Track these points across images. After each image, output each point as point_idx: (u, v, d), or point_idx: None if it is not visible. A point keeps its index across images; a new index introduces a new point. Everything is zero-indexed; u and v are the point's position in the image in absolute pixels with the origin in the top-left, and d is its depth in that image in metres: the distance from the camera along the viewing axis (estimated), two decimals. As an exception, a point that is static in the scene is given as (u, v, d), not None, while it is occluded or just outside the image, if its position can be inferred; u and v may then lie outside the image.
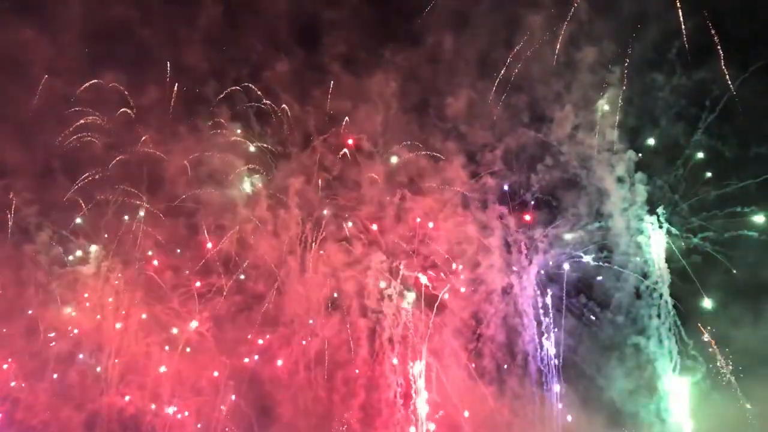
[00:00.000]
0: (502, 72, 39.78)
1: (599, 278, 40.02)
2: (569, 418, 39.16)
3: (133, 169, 42.60)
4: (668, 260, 38.61)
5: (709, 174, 38.60)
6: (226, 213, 42.84)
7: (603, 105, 39.26)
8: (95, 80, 41.66)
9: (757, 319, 36.28)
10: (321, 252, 41.97)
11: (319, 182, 42.94)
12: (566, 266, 40.19)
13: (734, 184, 37.44)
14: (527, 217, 41.23)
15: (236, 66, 43.24)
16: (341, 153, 42.67)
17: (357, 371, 40.52)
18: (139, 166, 42.64)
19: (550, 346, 39.42)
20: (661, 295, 38.28)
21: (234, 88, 42.72)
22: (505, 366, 40.09)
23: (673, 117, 38.87)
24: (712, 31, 36.34)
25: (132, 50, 42.30)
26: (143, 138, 42.24)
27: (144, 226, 42.38)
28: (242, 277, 42.42)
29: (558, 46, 38.96)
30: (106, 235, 42.39)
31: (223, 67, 43.23)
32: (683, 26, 36.42)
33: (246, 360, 41.62)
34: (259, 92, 43.02)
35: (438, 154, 41.72)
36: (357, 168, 42.64)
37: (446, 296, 40.73)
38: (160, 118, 42.72)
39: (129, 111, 42.39)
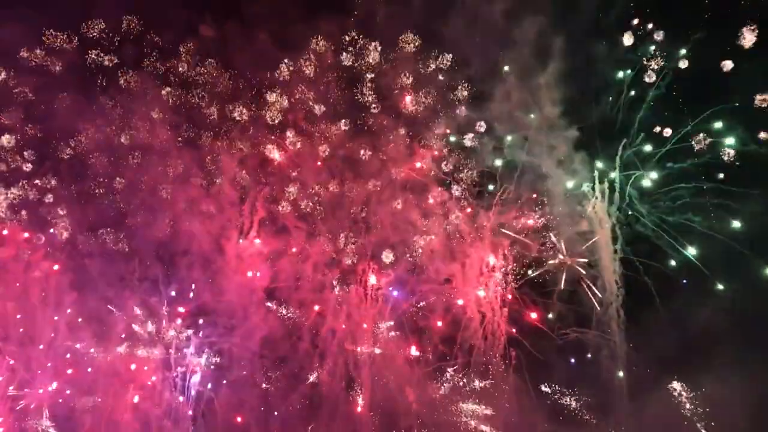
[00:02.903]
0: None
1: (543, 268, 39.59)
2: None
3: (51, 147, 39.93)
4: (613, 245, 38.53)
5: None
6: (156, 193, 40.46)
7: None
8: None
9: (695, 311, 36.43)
10: (256, 240, 40.32)
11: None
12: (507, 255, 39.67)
13: (676, 166, 37.08)
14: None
15: (158, 32, 40.10)
16: (276, 131, 40.55)
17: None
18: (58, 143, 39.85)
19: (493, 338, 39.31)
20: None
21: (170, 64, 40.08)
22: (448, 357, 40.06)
23: (615, 93, 38.10)
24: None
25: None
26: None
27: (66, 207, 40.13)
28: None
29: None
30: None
31: (145, 33, 39.99)
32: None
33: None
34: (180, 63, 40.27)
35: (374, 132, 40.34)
36: (294, 146, 40.54)
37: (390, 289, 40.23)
38: (75, 87, 39.61)
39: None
